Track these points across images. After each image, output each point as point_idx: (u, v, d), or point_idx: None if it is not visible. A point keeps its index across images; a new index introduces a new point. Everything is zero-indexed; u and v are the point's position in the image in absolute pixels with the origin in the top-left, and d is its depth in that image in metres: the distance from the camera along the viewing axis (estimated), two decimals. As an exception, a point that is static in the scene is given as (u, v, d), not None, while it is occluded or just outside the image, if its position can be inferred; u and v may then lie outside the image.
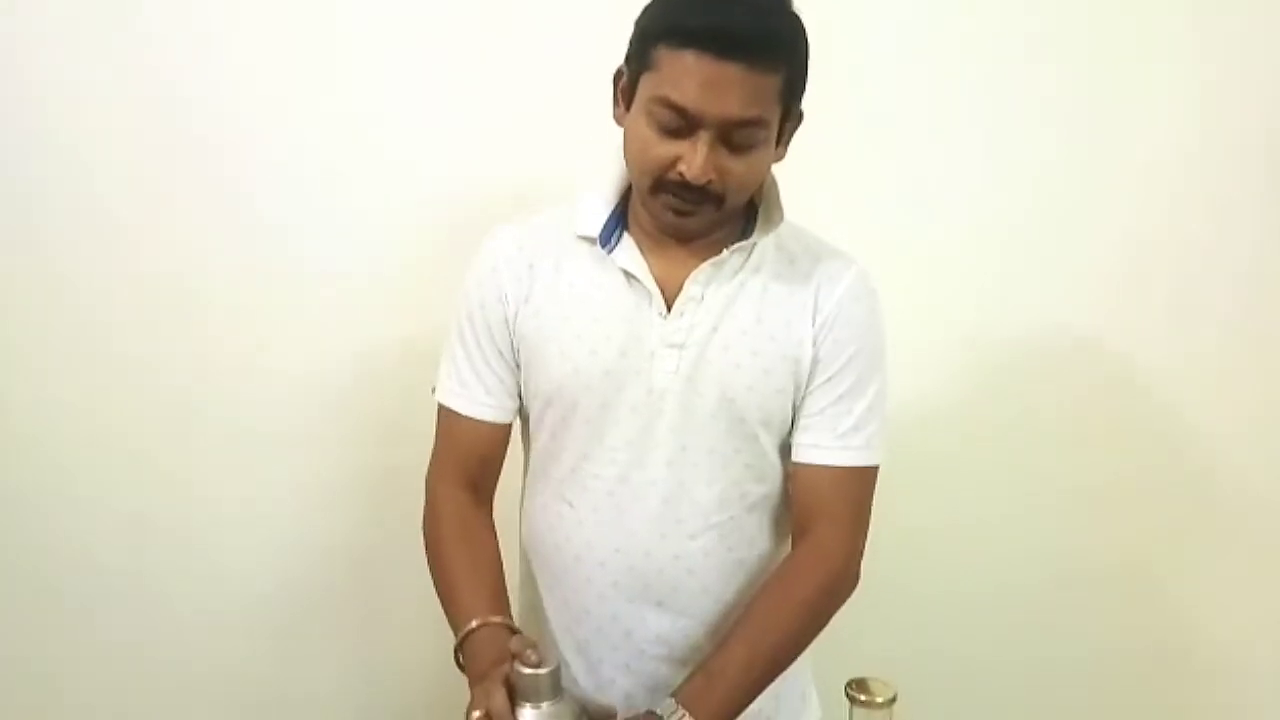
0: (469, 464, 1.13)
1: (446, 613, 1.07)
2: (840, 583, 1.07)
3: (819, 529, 1.06)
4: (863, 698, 0.93)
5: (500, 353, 1.10)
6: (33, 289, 1.50)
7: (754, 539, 1.09)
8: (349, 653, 1.66)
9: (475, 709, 0.92)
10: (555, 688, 0.93)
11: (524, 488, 1.16)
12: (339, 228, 1.53)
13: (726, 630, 1.05)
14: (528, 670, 0.91)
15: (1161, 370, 1.62)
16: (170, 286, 1.51)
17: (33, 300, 1.50)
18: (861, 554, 1.08)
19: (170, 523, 1.56)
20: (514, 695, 0.92)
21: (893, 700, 0.93)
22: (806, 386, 1.06)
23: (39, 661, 1.58)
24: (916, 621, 1.62)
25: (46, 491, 1.54)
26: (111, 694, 1.60)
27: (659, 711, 0.97)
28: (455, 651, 1.03)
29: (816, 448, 1.06)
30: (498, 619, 1.02)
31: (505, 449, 1.15)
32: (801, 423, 1.07)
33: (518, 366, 1.11)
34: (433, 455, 1.15)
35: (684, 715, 0.96)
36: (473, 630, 1.02)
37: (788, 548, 1.11)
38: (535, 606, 1.16)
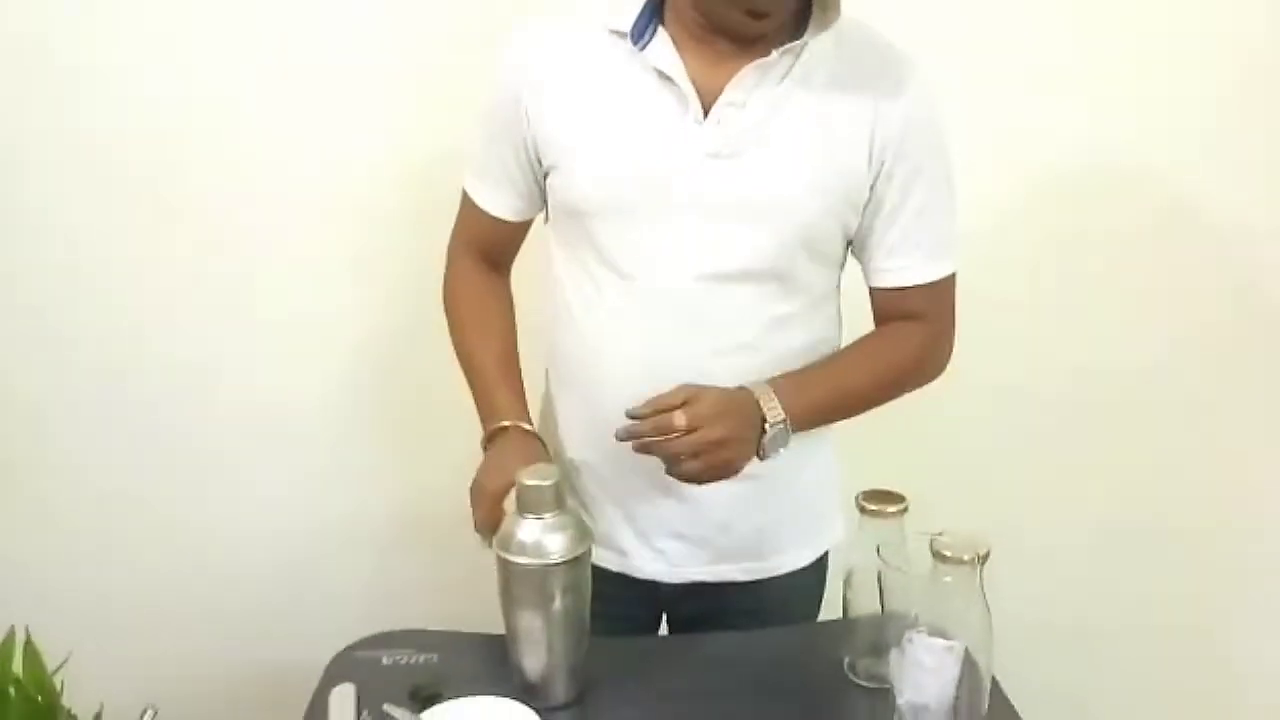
0: (482, 244, 1.16)
1: (467, 377, 1.13)
2: (934, 362, 1.11)
3: (921, 323, 1.08)
4: (873, 507, 0.93)
5: (517, 153, 1.07)
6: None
7: (782, 359, 1.05)
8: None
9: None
10: (559, 499, 0.93)
11: (550, 296, 1.12)
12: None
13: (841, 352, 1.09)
14: (530, 482, 0.92)
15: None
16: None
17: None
18: (953, 349, 1.11)
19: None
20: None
21: (904, 510, 0.92)
22: (871, 207, 1.02)
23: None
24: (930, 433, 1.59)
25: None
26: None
27: (749, 385, 0.99)
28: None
29: (907, 270, 1.05)
30: (523, 424, 1.07)
31: (523, 236, 1.16)
32: (885, 246, 1.04)
33: (539, 167, 1.07)
34: (454, 227, 1.17)
35: (773, 397, 0.98)
36: (501, 429, 1.07)
37: (818, 337, 1.09)
38: (554, 425, 1.15)
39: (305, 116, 1.51)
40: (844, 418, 1.09)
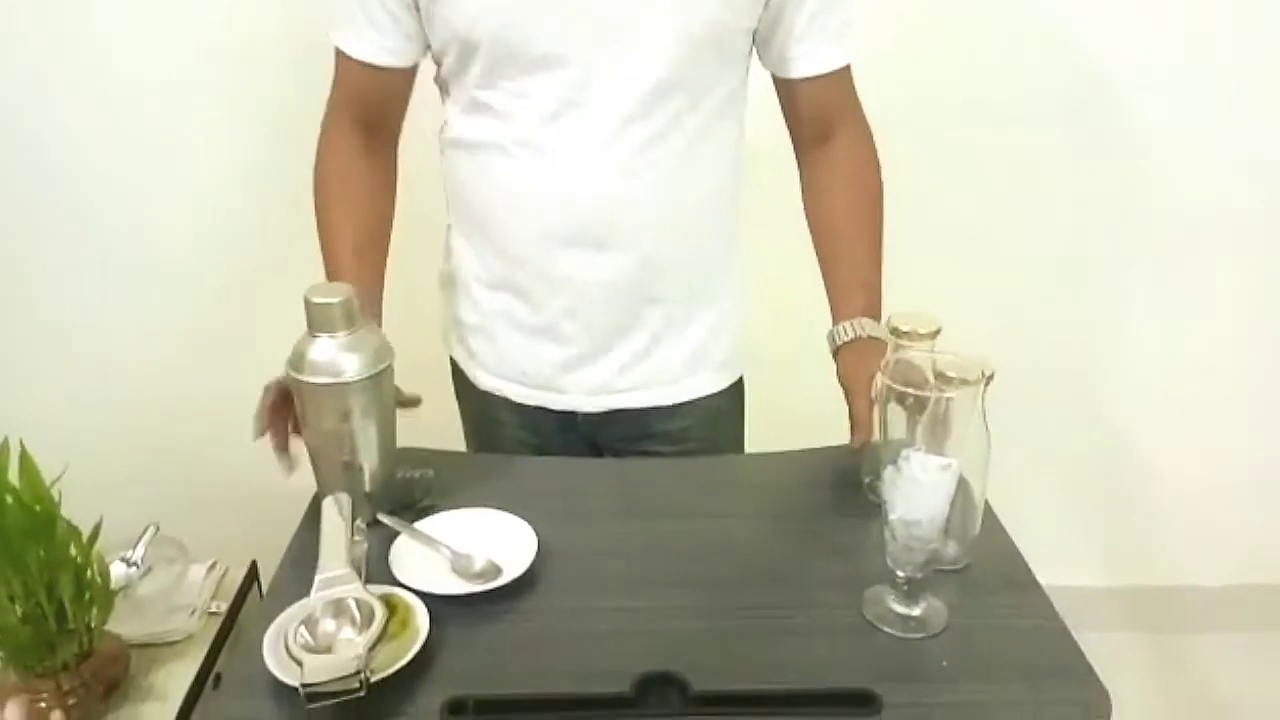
0: (362, 109, 1.07)
1: (324, 256, 1.07)
2: (876, 161, 1.12)
3: (844, 128, 1.11)
4: (905, 329, 0.92)
5: None
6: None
7: (697, 172, 1.05)
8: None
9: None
10: (349, 317, 0.89)
11: (443, 135, 1.10)
12: None
13: (831, 242, 1.12)
14: (319, 299, 0.88)
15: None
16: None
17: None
18: None
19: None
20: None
21: (936, 333, 0.91)
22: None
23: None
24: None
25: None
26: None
27: (836, 334, 1.06)
28: None
29: (815, 58, 1.05)
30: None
31: (408, 91, 1.08)
32: (795, 34, 1.04)
33: (417, 6, 1.00)
34: (330, 93, 1.08)
35: (867, 318, 1.05)
36: None
37: (729, 176, 1.10)
38: (460, 266, 1.14)
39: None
40: None
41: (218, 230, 1.69)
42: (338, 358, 0.89)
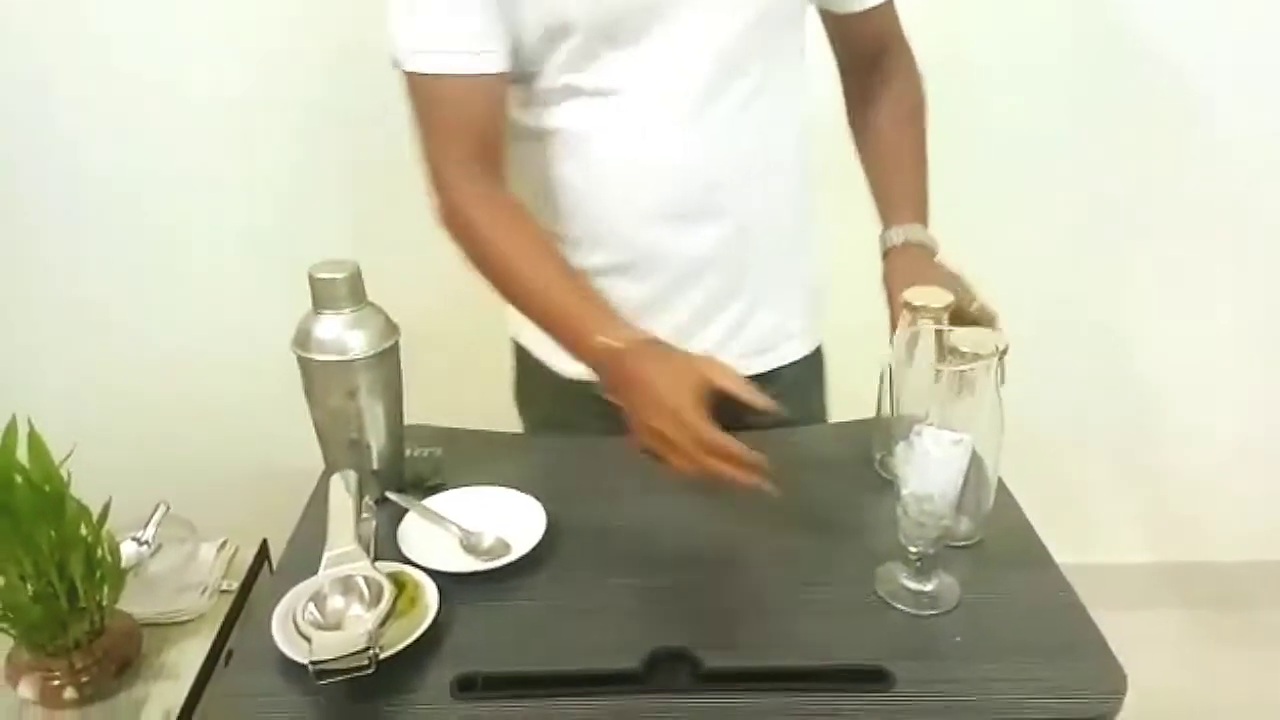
0: (474, 137, 0.96)
1: (532, 315, 0.96)
2: (921, 83, 1.14)
3: (890, 50, 1.13)
4: (918, 304, 0.91)
5: None
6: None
7: (781, 134, 1.07)
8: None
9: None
10: (355, 293, 0.88)
11: (517, 132, 1.03)
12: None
13: (879, 154, 1.13)
14: (323, 275, 0.88)
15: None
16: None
17: None
18: None
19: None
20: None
21: (949, 307, 0.91)
22: None
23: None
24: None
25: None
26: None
27: (885, 238, 1.06)
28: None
29: None
30: (645, 336, 0.89)
31: (507, 106, 0.99)
32: None
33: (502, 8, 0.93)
34: (424, 141, 0.96)
35: (916, 233, 1.05)
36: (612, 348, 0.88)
37: (802, 135, 1.10)
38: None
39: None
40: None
41: (226, 216, 1.69)
42: (343, 335, 0.88)
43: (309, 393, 0.92)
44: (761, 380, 1.10)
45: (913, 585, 0.86)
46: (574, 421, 1.11)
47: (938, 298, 0.91)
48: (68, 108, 1.60)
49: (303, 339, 0.89)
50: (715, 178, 1.03)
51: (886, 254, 1.07)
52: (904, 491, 0.83)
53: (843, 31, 1.12)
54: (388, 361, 0.91)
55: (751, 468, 0.81)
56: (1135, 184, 1.72)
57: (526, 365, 1.18)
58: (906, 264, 1.04)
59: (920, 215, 1.09)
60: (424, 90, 0.95)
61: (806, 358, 1.19)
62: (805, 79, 1.10)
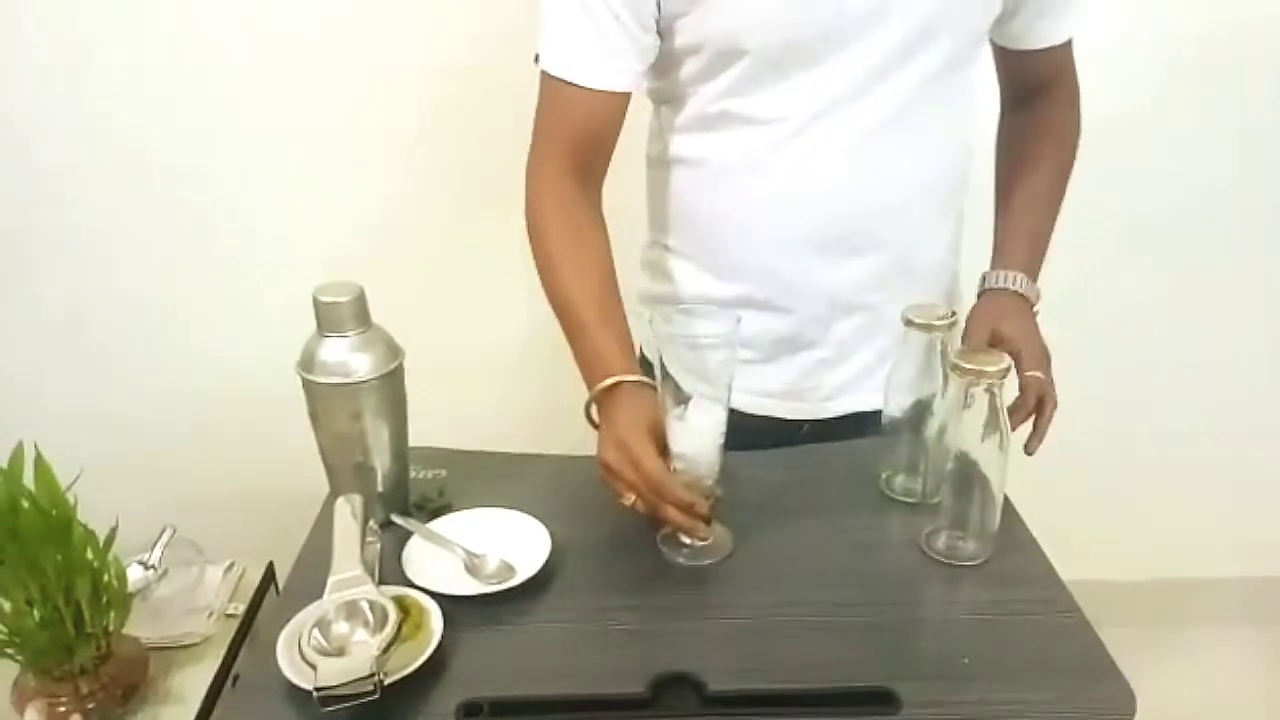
0: (579, 144, 0.99)
1: (560, 318, 0.99)
2: (1080, 124, 1.13)
3: (1058, 87, 1.11)
4: (919, 320, 0.91)
5: (628, 5, 0.93)
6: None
7: (946, 166, 1.06)
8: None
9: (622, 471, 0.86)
10: (361, 316, 0.89)
11: (658, 152, 1.05)
12: None
13: (1010, 187, 1.11)
14: (327, 299, 0.87)
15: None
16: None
17: None
18: None
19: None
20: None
21: (952, 323, 0.91)
22: None
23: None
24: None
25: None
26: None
27: (986, 278, 1.06)
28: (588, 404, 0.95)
29: (1059, 28, 1.06)
30: (632, 378, 0.92)
31: (621, 125, 1.00)
32: (1032, 6, 1.03)
33: (659, 12, 0.94)
34: (534, 135, 1.00)
35: (1018, 275, 1.05)
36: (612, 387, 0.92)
37: (965, 166, 1.09)
38: (682, 288, 1.09)
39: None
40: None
41: (231, 234, 1.69)
42: (348, 358, 0.88)
43: (314, 416, 0.92)
44: (839, 424, 1.12)
45: (688, 539, 0.91)
46: None
47: (940, 315, 0.91)
48: (63, 139, 1.61)
49: (308, 362, 0.89)
50: (871, 210, 1.01)
51: (983, 292, 1.06)
52: (675, 454, 0.88)
53: (1013, 65, 1.10)
54: (393, 383, 0.92)
55: (692, 514, 0.86)
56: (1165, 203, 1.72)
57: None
58: (998, 309, 1.02)
59: (1033, 262, 1.08)
60: (548, 90, 0.98)
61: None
62: (972, 113, 1.07)
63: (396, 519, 0.94)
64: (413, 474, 0.99)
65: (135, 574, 1.08)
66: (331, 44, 1.55)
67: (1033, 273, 1.07)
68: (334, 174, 1.64)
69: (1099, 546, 1.88)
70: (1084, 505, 1.83)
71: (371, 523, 0.89)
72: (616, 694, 0.77)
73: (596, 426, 0.94)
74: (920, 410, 0.95)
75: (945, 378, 0.90)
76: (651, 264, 1.14)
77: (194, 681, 1.03)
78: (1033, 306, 1.05)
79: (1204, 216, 1.74)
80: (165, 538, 1.14)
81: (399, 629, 0.77)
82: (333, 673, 0.72)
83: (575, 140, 0.99)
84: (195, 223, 1.68)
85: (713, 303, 1.05)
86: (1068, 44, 1.09)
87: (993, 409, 0.84)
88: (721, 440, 0.88)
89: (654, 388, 0.89)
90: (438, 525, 0.94)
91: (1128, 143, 1.61)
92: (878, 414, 1.00)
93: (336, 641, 0.77)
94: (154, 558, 1.11)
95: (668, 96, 1.03)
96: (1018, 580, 0.89)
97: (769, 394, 1.11)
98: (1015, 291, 1.05)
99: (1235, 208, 1.74)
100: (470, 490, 1.00)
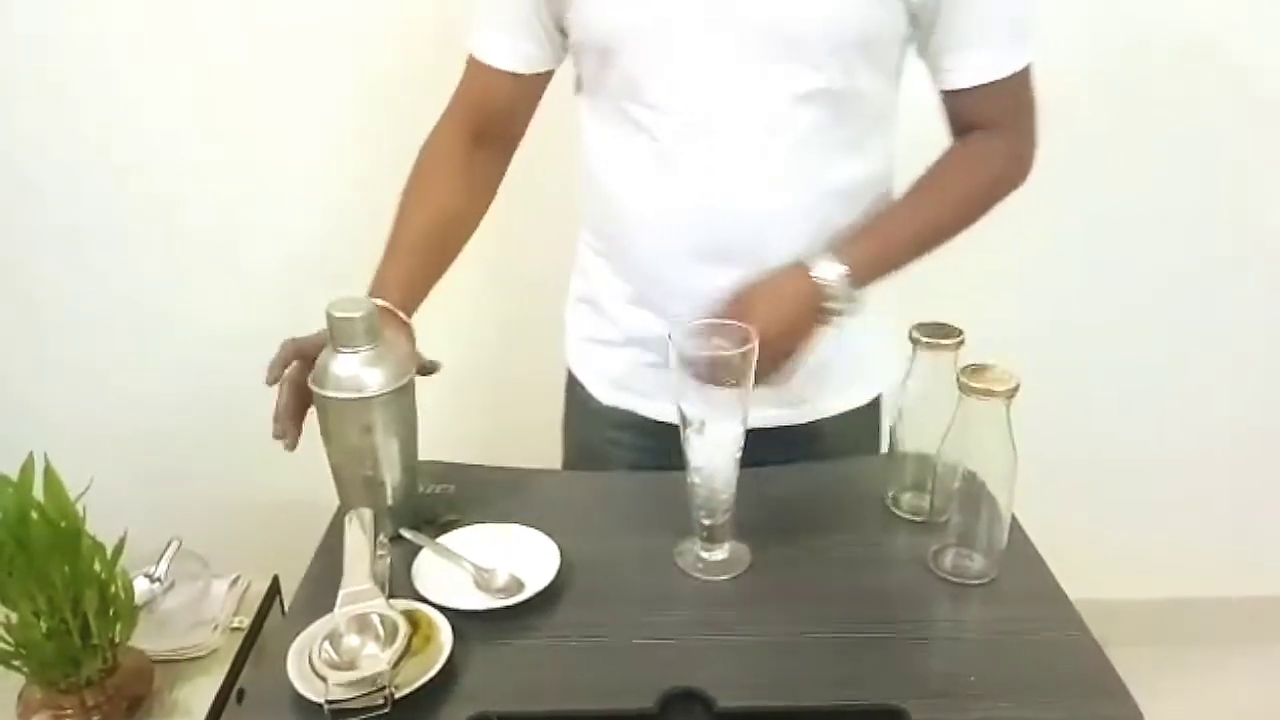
0: (475, 113, 1.06)
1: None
2: (1015, 177, 1.03)
3: (1000, 130, 1.01)
4: (926, 340, 0.91)
5: None
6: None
7: (843, 186, 1.00)
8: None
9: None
10: (372, 332, 0.89)
11: (582, 149, 1.07)
12: None
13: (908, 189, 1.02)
14: (341, 315, 0.87)
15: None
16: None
17: None
18: (1035, 149, 1.03)
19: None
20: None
21: (959, 343, 0.91)
22: None
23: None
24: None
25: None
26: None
27: (804, 261, 0.94)
28: None
29: (981, 65, 0.95)
30: (384, 302, 0.96)
31: (528, 106, 1.07)
32: (957, 38, 0.95)
33: (550, 12, 0.99)
34: (451, 98, 1.08)
35: (831, 259, 0.94)
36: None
37: (875, 189, 1.03)
38: (597, 284, 1.11)
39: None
40: (919, 258, 1.00)
41: (244, 249, 1.70)
42: (360, 373, 0.89)
43: (325, 430, 0.92)
44: (800, 432, 1.11)
45: (705, 554, 0.92)
46: (609, 453, 1.15)
47: (948, 334, 0.92)
48: (76, 149, 1.62)
49: (320, 377, 0.89)
50: (763, 223, 0.99)
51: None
52: (692, 468, 0.88)
53: (948, 106, 1.02)
54: (403, 398, 0.92)
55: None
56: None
57: (573, 394, 1.20)
58: (767, 282, 0.95)
59: (855, 252, 0.95)
60: (468, 61, 1.06)
61: (853, 412, 1.13)
62: (891, 128, 1.04)
63: (406, 533, 0.94)
64: (421, 489, 0.99)
65: (141, 586, 1.08)
66: (339, 48, 1.56)
67: (854, 262, 0.95)
68: (340, 184, 1.65)
69: (1106, 565, 1.88)
70: (1091, 524, 1.83)
71: (381, 537, 0.89)
72: (625, 710, 0.77)
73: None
74: (927, 428, 0.95)
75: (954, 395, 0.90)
76: (576, 259, 1.17)
77: (199, 694, 1.03)
78: (816, 280, 0.94)
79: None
80: (171, 550, 1.14)
81: (409, 642, 0.77)
82: (344, 686, 0.72)
83: (472, 109, 1.07)
84: (206, 237, 1.68)
85: (619, 300, 1.09)
86: (1010, 84, 0.98)
87: (1000, 428, 0.84)
88: (739, 455, 0.88)
89: (407, 325, 0.97)
90: (447, 540, 0.94)
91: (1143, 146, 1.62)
92: (786, 431, 1.04)
93: (347, 655, 0.77)
94: (160, 570, 1.11)
95: (582, 94, 1.06)
96: (1025, 599, 0.89)
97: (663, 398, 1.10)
98: (800, 267, 0.95)
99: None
100: (479, 504, 1.00)
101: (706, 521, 0.92)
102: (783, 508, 1.02)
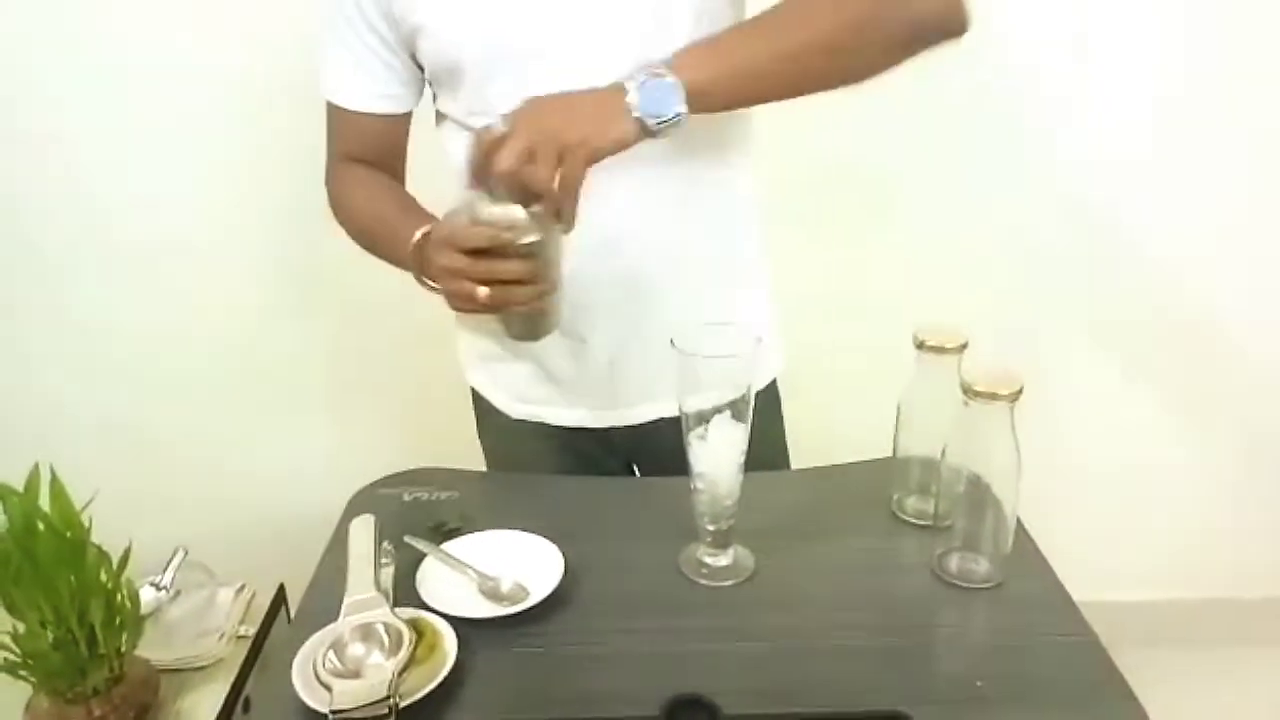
0: (357, 157, 1.08)
1: (387, 254, 1.02)
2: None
3: None
4: (931, 344, 0.91)
5: (374, 26, 0.99)
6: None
7: (702, 194, 1.02)
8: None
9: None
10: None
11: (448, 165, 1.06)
12: None
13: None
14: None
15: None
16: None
17: None
18: None
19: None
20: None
21: (963, 347, 0.91)
22: None
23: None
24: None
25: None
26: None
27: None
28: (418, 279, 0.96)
29: None
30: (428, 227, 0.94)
31: (404, 140, 1.09)
32: None
33: (403, 36, 0.99)
34: (328, 150, 1.09)
35: (650, 66, 0.83)
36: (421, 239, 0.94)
37: (737, 196, 1.06)
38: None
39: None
40: (779, 79, 0.87)
41: (252, 258, 1.70)
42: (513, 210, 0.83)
43: (545, 275, 0.86)
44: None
45: (709, 560, 0.92)
46: (527, 459, 1.16)
47: (952, 338, 0.92)
48: (96, 164, 1.63)
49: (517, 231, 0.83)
50: (622, 232, 1.00)
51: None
52: (695, 474, 0.89)
53: None
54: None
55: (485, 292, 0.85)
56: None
57: (480, 407, 1.20)
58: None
59: (685, 54, 0.85)
60: (331, 113, 1.07)
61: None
62: (747, 140, 1.05)
63: (410, 540, 0.94)
64: (425, 496, 0.99)
65: (148, 595, 1.08)
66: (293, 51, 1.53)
67: (677, 62, 0.84)
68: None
69: (1112, 568, 1.88)
70: (1096, 527, 1.83)
71: (386, 544, 0.89)
72: (630, 717, 0.77)
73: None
74: (931, 432, 0.95)
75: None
76: None
77: (205, 703, 1.03)
78: (625, 85, 0.84)
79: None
80: (177, 559, 1.14)
81: (414, 651, 0.77)
82: (349, 695, 0.72)
83: (353, 155, 1.08)
84: (205, 245, 1.69)
85: None
86: None
87: (1005, 431, 0.84)
88: (741, 460, 0.89)
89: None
90: (451, 547, 0.94)
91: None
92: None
93: (352, 664, 0.77)
94: (166, 579, 1.12)
95: (438, 115, 1.06)
96: (1030, 602, 0.89)
97: (566, 403, 1.12)
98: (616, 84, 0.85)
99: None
100: (483, 512, 1.00)
101: (710, 527, 0.92)
102: (787, 513, 1.02)
